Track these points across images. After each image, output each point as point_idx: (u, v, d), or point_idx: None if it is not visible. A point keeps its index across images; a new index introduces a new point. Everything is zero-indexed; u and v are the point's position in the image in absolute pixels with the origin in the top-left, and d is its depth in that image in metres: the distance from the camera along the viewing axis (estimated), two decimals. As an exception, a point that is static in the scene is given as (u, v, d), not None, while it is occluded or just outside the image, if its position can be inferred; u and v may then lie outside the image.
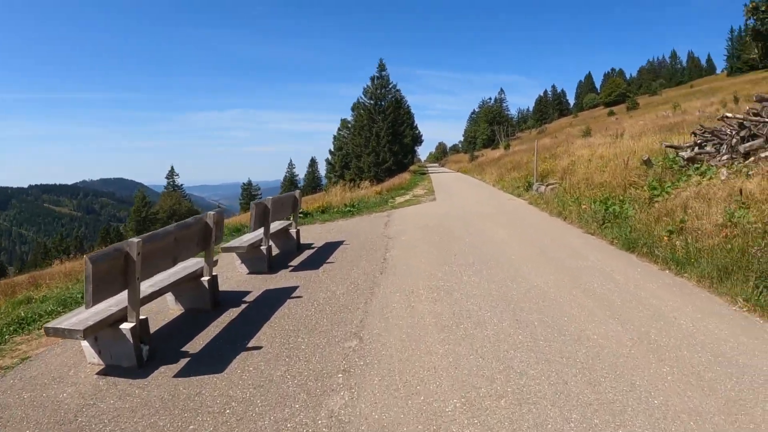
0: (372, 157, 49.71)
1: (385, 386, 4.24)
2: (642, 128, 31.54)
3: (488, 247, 9.97)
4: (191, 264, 6.79)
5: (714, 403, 3.77)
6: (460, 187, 28.74)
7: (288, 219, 10.90)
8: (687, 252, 7.80)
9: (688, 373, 4.26)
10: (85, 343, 4.96)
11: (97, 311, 4.82)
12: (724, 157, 12.01)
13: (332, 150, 71.26)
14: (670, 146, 15.71)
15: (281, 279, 8.11)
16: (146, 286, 5.61)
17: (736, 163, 11.14)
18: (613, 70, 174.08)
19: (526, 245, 10.02)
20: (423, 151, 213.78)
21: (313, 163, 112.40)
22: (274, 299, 6.97)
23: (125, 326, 4.80)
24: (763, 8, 19.54)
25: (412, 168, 62.75)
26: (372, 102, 52.93)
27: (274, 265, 8.97)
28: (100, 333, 4.80)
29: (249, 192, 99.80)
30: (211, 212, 6.60)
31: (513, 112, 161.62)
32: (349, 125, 62.21)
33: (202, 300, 6.64)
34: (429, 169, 72.58)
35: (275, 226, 9.90)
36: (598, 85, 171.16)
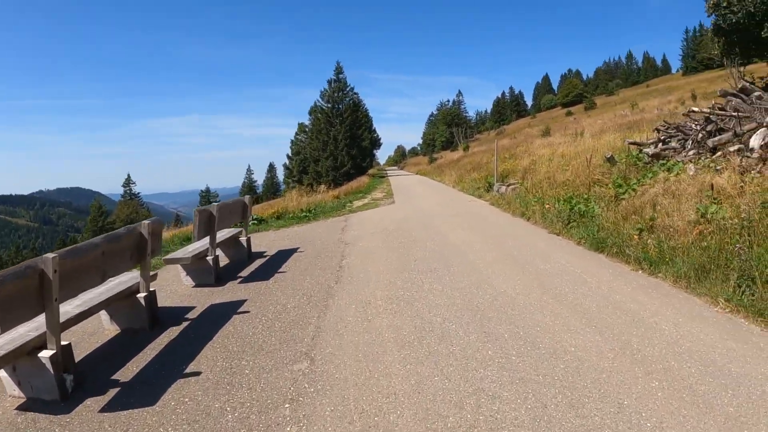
0: (330, 161, 49.06)
1: (338, 418, 3.68)
2: (601, 127, 31.59)
3: (450, 250, 9.50)
4: (126, 279, 6.16)
5: (713, 422, 3.35)
6: (419, 189, 28.34)
7: (238, 226, 10.24)
8: (660, 251, 7.46)
9: (680, 387, 3.83)
10: (3, 374, 4.28)
11: (13, 337, 4.18)
12: (690, 152, 11.76)
13: (290, 154, 70.39)
14: (634, 143, 15.49)
15: (229, 292, 7.48)
16: (73, 306, 4.97)
17: (703, 158, 10.87)
18: (569, 71, 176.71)
19: (491, 248, 9.57)
20: (382, 155, 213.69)
21: (271, 168, 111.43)
22: (219, 315, 6.35)
23: (44, 354, 4.15)
24: (724, 4, 19.44)
25: (371, 172, 62.25)
26: (329, 105, 52.30)
27: (222, 276, 8.35)
28: (19, 362, 4.17)
29: (207, 199, 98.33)
30: (147, 221, 5.98)
31: (471, 113, 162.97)
32: (307, 129, 61.49)
33: (140, 318, 6.00)
34: (388, 172, 72.21)
35: (223, 234, 9.27)
36: (555, 86, 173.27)
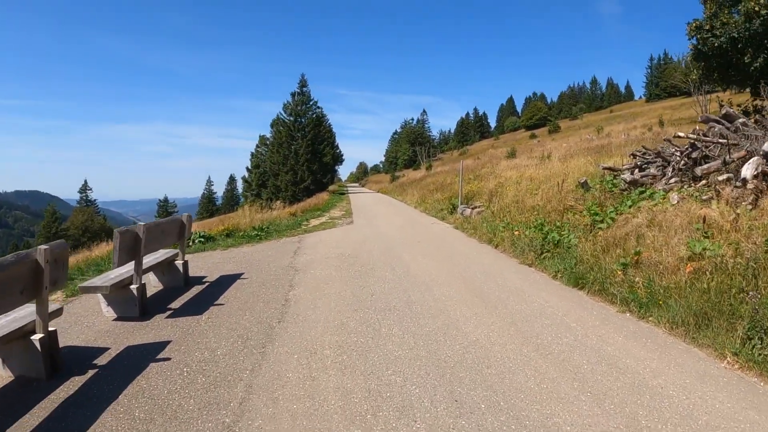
0: (290, 175, 47.76)
1: None
2: (568, 150, 31.03)
3: (412, 283, 8.48)
4: (22, 315, 5.04)
5: None
6: (380, 209, 27.27)
7: (174, 248, 9.08)
8: (650, 291, 6.59)
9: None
10: None
11: None
12: (672, 180, 11.01)
13: (249, 167, 68.72)
14: (608, 168, 14.75)
15: (153, 329, 6.32)
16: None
17: (686, 186, 10.11)
18: (534, 94, 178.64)
19: (457, 281, 8.58)
20: (344, 171, 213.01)
21: (232, 180, 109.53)
22: (134, 362, 5.19)
23: None
24: (707, 27, 18.91)
25: (331, 188, 61.21)
26: (292, 119, 51.10)
27: (150, 307, 7.20)
28: None
29: (165, 209, 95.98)
30: (44, 246, 4.83)
31: (435, 133, 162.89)
32: (268, 142, 60.11)
33: (35, 365, 4.87)
34: (349, 189, 71.25)
35: (155, 258, 8.11)
36: (519, 108, 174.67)
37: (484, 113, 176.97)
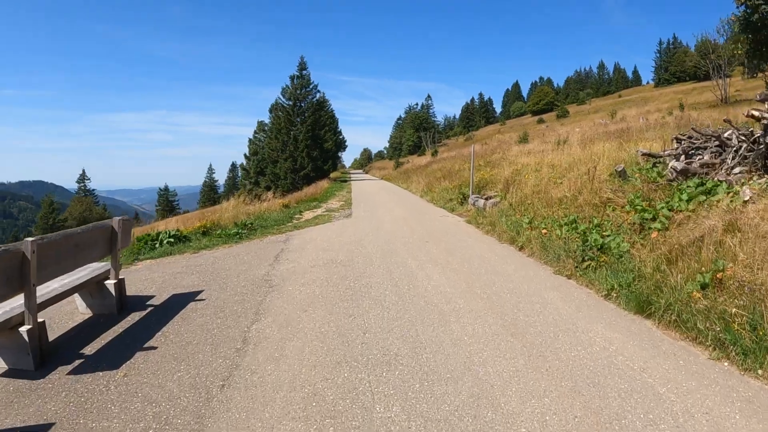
0: (289, 162, 45.41)
1: None
2: (584, 135, 28.77)
3: (421, 310, 6.29)
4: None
5: None
6: (382, 198, 25.04)
7: (104, 261, 6.91)
8: (760, 336, 4.50)
9: None
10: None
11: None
12: (735, 169, 8.88)
13: (247, 154, 66.35)
14: (648, 154, 12.60)
15: (41, 397, 4.17)
16: None
17: (755, 178, 8.06)
18: (541, 78, 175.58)
19: (481, 306, 6.43)
20: (348, 158, 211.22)
21: (234, 168, 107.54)
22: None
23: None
24: (756, -7, 16.55)
25: (333, 175, 59.08)
26: (291, 103, 48.63)
27: (61, 348, 5.16)
28: None
29: (166, 198, 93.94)
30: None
31: (439, 119, 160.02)
32: (266, 128, 57.77)
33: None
34: (352, 176, 69.18)
35: (71, 280, 5.95)
36: (525, 93, 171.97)
37: (489, 98, 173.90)
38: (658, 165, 11.70)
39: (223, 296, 7.17)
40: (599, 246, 8.09)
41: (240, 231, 12.81)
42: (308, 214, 17.88)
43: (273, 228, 14.15)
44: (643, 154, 12.84)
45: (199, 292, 7.44)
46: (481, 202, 15.77)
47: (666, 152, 12.29)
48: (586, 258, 8.00)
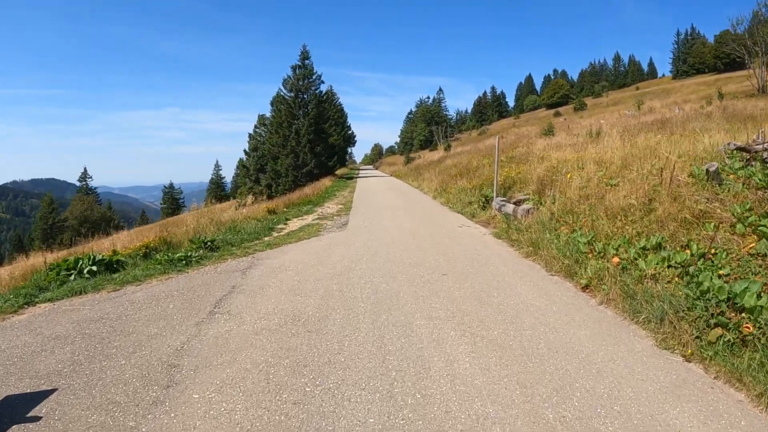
0: (291, 158, 41.71)
1: None
2: (616, 127, 25.28)
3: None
4: None
5: None
6: (389, 200, 21.42)
7: None
8: None
9: None
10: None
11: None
12: None
13: (247, 150, 62.65)
14: (742, 149, 9.31)
15: None
16: None
17: None
18: (555, 71, 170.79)
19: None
20: (359, 153, 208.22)
21: (240, 164, 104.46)
22: None
23: None
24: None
25: (339, 172, 55.57)
26: (292, 95, 44.86)
27: None
28: None
29: (171, 195, 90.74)
30: None
31: (451, 113, 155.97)
32: (267, 122, 54.23)
33: None
34: (360, 172, 65.79)
35: None
36: (538, 87, 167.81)
37: (502, 92, 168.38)
38: (753, 163, 8.49)
39: (75, 413, 3.85)
40: (725, 298, 4.77)
41: (188, 256, 9.42)
42: (295, 223, 14.43)
43: (241, 246, 10.79)
44: (737, 148, 9.44)
45: (49, 394, 4.17)
46: (510, 207, 12.41)
47: (762, 144, 8.99)
48: (712, 322, 4.65)
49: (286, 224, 14.22)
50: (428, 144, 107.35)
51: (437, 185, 23.08)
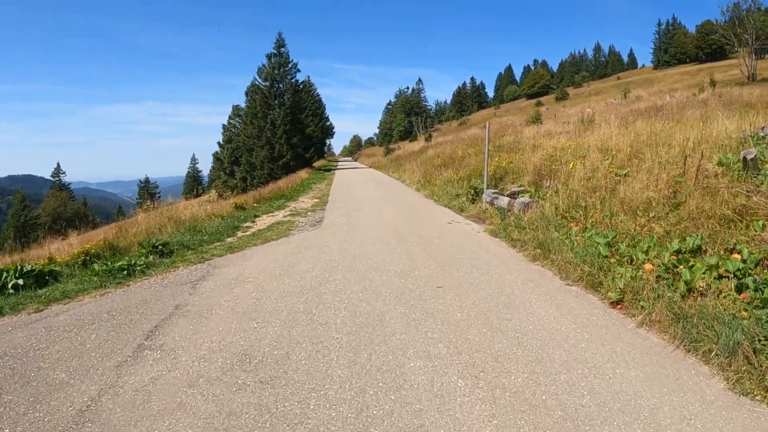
0: (266, 150, 39.89)
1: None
2: (606, 114, 24.08)
3: None
4: None
5: None
6: (369, 193, 19.92)
7: None
8: None
9: None
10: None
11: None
12: None
13: (221, 142, 60.64)
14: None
15: None
16: None
17: None
18: (535, 61, 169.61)
19: None
20: (338, 145, 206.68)
21: (215, 157, 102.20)
22: None
23: None
24: None
25: (317, 164, 53.86)
26: (267, 84, 42.98)
27: None
28: None
29: (147, 190, 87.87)
30: None
31: (430, 104, 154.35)
32: (242, 113, 52.30)
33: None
34: (339, 164, 64.40)
35: None
36: (518, 77, 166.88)
37: (481, 83, 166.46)
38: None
39: None
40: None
41: (132, 264, 7.91)
42: (264, 221, 12.89)
43: (198, 250, 9.31)
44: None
45: None
46: (504, 200, 11.12)
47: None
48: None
49: (254, 222, 12.71)
50: (408, 135, 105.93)
51: (420, 176, 21.61)
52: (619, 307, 5.42)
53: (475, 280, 6.50)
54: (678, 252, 5.89)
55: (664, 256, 5.81)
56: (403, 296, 5.95)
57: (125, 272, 7.58)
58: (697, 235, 5.96)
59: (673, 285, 5.25)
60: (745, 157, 7.22)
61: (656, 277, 5.51)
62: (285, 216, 13.70)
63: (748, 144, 8.79)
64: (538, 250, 7.51)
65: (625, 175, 9.27)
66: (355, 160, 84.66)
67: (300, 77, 46.95)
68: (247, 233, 11.08)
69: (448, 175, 18.10)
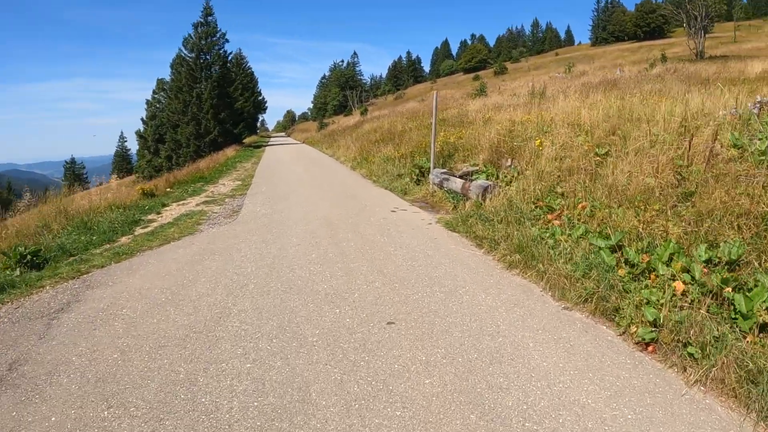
0: (192, 126, 37.10)
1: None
2: (555, 87, 22.78)
3: None
4: None
5: None
6: (299, 174, 17.78)
7: None
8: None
9: None
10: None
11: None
12: None
13: (144, 119, 57.05)
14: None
15: None
16: None
17: None
18: (473, 36, 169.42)
19: None
20: (271, 120, 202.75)
21: (138, 134, 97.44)
22: None
23: None
24: None
25: (248, 140, 51.31)
26: (194, 55, 39.98)
27: None
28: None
29: (73, 171, 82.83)
30: None
31: (366, 78, 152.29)
32: (167, 87, 49.07)
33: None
34: (271, 140, 61.66)
35: None
36: (454, 52, 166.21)
37: (417, 57, 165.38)
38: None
39: None
40: None
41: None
42: (172, 212, 10.77)
43: (80, 256, 7.23)
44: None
45: None
46: (456, 182, 9.48)
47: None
48: None
49: (159, 213, 10.59)
50: (343, 109, 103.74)
51: (356, 153, 19.67)
52: (650, 349, 3.75)
53: (441, 308, 4.67)
54: (708, 262, 4.29)
55: (695, 269, 4.18)
56: (337, 344, 4.04)
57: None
58: (735, 241, 4.35)
59: (719, 315, 3.64)
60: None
61: (678, 291, 3.94)
62: (198, 205, 11.52)
63: (754, 120, 7.32)
64: (518, 256, 5.76)
65: (605, 154, 7.70)
66: (289, 136, 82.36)
67: (231, 49, 44.15)
68: (147, 230, 8.94)
69: (387, 152, 16.26)
